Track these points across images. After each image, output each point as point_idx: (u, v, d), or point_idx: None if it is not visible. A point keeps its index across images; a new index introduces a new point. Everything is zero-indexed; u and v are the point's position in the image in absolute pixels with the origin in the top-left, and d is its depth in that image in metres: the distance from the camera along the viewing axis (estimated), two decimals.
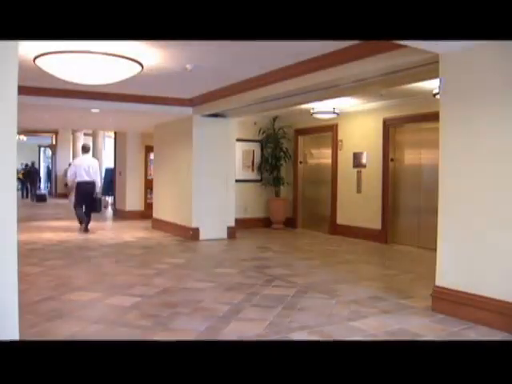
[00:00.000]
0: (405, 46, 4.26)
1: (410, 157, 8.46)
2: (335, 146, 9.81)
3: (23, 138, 20.57)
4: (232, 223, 9.08)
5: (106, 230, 10.62)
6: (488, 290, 3.83)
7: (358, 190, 9.20)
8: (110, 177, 14.51)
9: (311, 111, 8.92)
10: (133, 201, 12.59)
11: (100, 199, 10.06)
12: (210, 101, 8.06)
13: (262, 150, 10.91)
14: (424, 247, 7.60)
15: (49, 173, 26.34)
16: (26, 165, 23.17)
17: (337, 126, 9.69)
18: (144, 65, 5.48)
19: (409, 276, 5.88)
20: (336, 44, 4.90)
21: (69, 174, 9.71)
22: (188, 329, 3.74)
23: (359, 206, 9.12)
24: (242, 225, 9.76)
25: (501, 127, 3.79)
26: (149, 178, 12.49)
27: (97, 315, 4.14)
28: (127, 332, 3.65)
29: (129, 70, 5.42)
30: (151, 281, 5.40)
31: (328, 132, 9.97)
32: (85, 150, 9.89)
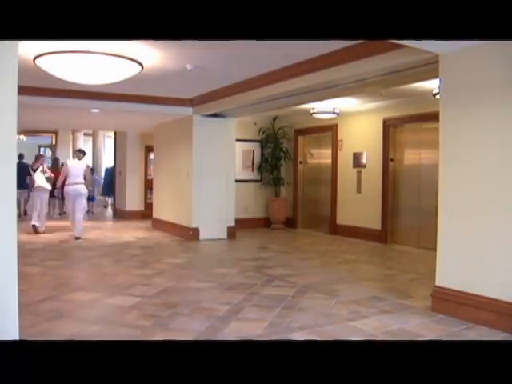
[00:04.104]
0: (405, 46, 4.26)
1: (410, 157, 8.47)
2: (335, 146, 9.81)
3: (23, 137, 20.54)
4: (232, 223, 9.07)
5: (105, 229, 10.62)
6: (488, 290, 3.83)
7: (358, 190, 9.20)
8: (110, 177, 14.50)
9: (311, 111, 8.91)
10: (133, 201, 12.59)
11: None
12: (210, 101, 8.06)
13: (261, 150, 10.91)
14: (424, 247, 7.60)
15: None
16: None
17: (337, 126, 9.69)
18: (144, 65, 5.48)
19: (409, 276, 5.88)
20: (336, 44, 4.90)
21: None
22: (188, 329, 3.74)
23: (359, 206, 9.12)
24: (242, 225, 9.75)
25: (501, 127, 3.79)
26: (149, 177, 12.49)
27: (97, 315, 4.14)
28: (127, 332, 3.65)
29: (129, 70, 5.42)
30: (151, 281, 5.40)
31: (328, 132, 9.97)
32: None
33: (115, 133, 13.75)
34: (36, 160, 9.83)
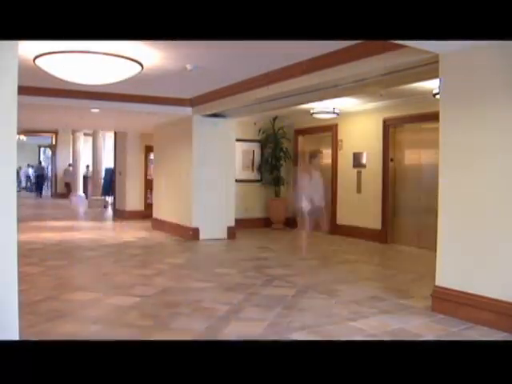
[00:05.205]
0: (405, 46, 4.26)
1: (410, 157, 8.46)
2: (335, 146, 9.81)
3: (23, 137, 20.56)
4: (232, 223, 9.07)
5: (106, 229, 10.62)
6: (488, 290, 3.83)
7: (358, 190, 9.19)
8: (110, 177, 14.49)
9: (311, 111, 8.91)
10: (133, 201, 12.58)
11: None
12: (210, 101, 8.06)
13: (261, 150, 10.91)
14: (424, 247, 7.60)
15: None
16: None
17: (337, 126, 9.69)
18: (144, 65, 5.48)
19: (409, 276, 5.88)
20: (336, 44, 4.90)
21: None
22: (188, 329, 3.74)
23: (359, 205, 9.12)
24: (242, 225, 9.75)
25: (501, 127, 3.79)
26: (149, 178, 12.49)
27: (97, 315, 4.13)
28: (127, 332, 3.65)
29: (129, 70, 5.42)
30: (151, 281, 5.40)
31: (328, 132, 9.96)
32: None
33: (115, 133, 13.75)
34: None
